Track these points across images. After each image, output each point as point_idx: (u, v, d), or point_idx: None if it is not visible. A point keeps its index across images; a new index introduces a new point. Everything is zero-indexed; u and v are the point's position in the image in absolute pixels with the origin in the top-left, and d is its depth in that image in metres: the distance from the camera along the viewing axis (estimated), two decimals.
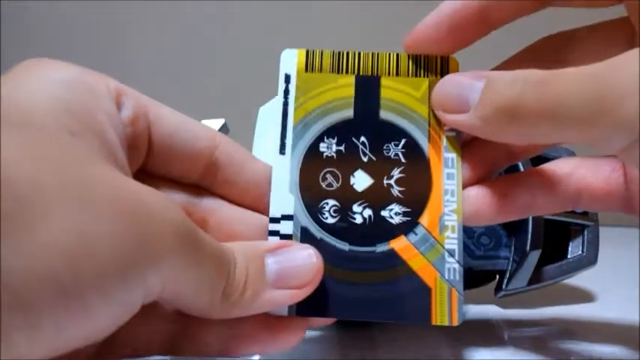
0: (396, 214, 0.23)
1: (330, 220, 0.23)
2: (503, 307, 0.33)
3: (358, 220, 0.23)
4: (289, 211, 0.23)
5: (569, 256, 0.33)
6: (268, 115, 0.33)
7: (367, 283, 0.22)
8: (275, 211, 0.23)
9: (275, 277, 0.20)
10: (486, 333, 0.29)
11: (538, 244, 0.32)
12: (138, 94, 0.21)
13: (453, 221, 0.23)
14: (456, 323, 0.22)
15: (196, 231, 0.18)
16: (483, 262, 0.33)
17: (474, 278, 0.34)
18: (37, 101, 0.17)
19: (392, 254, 0.23)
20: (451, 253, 0.23)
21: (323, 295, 0.22)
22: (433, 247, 0.23)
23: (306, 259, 0.21)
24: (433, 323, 0.22)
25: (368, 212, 0.23)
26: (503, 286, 0.32)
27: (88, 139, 0.18)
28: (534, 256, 0.32)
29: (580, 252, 0.33)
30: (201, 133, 0.23)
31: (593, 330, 0.30)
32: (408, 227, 0.23)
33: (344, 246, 0.23)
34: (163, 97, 0.23)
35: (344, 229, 0.23)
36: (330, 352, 0.28)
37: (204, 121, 0.35)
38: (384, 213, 0.23)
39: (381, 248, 0.23)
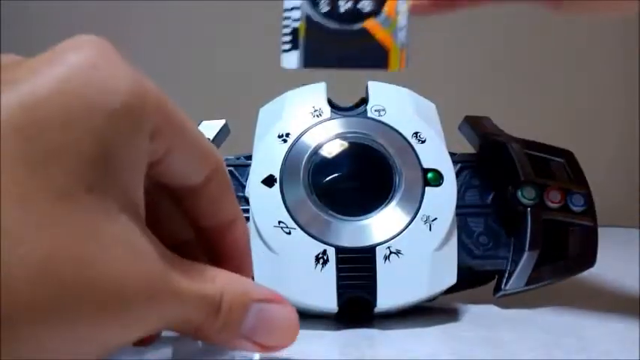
0: (368, 4, 0.30)
1: (325, 9, 0.30)
2: (502, 307, 0.33)
3: (342, 8, 0.30)
4: (297, 5, 0.30)
5: (567, 257, 0.33)
6: (268, 116, 0.33)
7: (346, 47, 0.30)
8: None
9: (249, 331, 0.20)
10: (486, 333, 0.29)
11: (537, 244, 0.32)
12: (171, 125, 0.19)
13: (403, 9, 0.30)
14: (403, 66, 0.30)
15: (171, 282, 0.18)
16: (482, 262, 0.33)
17: (473, 278, 0.34)
18: (64, 135, 0.15)
19: (364, 30, 0.30)
20: (401, 28, 0.30)
21: (320, 47, 0.30)
22: (390, 24, 0.30)
23: (285, 322, 0.21)
24: (389, 70, 0.30)
25: (349, 4, 0.30)
26: (502, 286, 0.33)
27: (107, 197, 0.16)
28: (533, 256, 0.32)
29: (578, 252, 0.33)
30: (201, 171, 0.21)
31: (592, 330, 0.30)
32: (375, 13, 0.30)
33: (334, 25, 0.30)
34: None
35: (333, 14, 0.30)
36: (329, 350, 0.28)
37: (205, 122, 0.35)
38: (359, 5, 0.30)
39: (357, 26, 0.30)
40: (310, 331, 0.29)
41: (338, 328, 0.30)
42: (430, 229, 0.30)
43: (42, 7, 0.72)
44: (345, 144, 0.32)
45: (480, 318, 0.32)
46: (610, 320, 0.31)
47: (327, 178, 0.31)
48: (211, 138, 0.35)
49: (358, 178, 0.32)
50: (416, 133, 0.32)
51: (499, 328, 0.30)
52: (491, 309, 0.33)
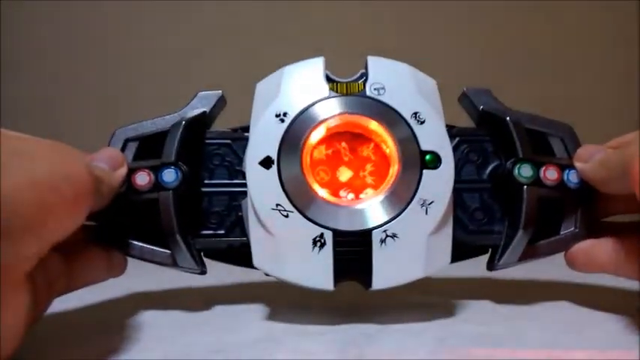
0: None
1: None
2: (500, 304, 0.34)
3: None
4: None
5: (561, 232, 0.34)
6: (265, 92, 0.33)
7: None
8: None
9: None
10: (483, 329, 0.30)
11: (531, 222, 0.32)
12: None
13: None
14: None
15: None
16: (477, 237, 0.34)
17: (466, 251, 0.34)
18: None
19: None
20: None
21: None
22: None
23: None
24: None
25: None
26: (495, 261, 0.33)
27: None
28: (527, 235, 0.32)
29: (573, 228, 0.34)
30: None
31: (592, 326, 0.30)
32: None
33: None
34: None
35: None
36: (329, 348, 0.28)
37: (202, 93, 0.35)
38: None
39: None
40: (309, 328, 0.30)
41: (337, 325, 0.30)
42: (426, 213, 0.30)
43: (42, 7, 0.71)
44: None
45: (478, 315, 0.32)
46: (609, 319, 0.31)
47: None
48: (208, 110, 0.34)
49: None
50: (415, 114, 0.31)
51: (497, 325, 0.31)
52: (489, 306, 0.34)
